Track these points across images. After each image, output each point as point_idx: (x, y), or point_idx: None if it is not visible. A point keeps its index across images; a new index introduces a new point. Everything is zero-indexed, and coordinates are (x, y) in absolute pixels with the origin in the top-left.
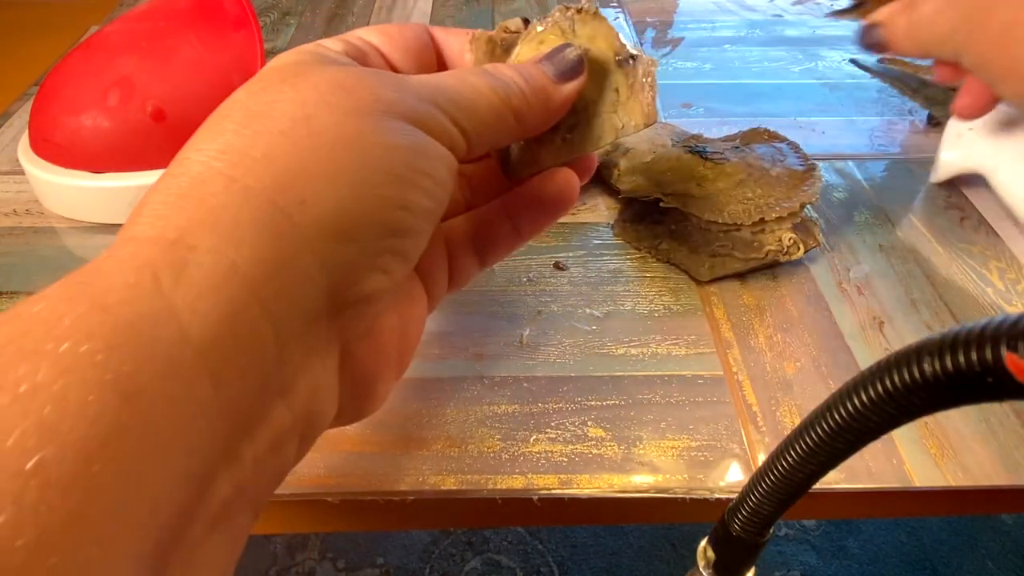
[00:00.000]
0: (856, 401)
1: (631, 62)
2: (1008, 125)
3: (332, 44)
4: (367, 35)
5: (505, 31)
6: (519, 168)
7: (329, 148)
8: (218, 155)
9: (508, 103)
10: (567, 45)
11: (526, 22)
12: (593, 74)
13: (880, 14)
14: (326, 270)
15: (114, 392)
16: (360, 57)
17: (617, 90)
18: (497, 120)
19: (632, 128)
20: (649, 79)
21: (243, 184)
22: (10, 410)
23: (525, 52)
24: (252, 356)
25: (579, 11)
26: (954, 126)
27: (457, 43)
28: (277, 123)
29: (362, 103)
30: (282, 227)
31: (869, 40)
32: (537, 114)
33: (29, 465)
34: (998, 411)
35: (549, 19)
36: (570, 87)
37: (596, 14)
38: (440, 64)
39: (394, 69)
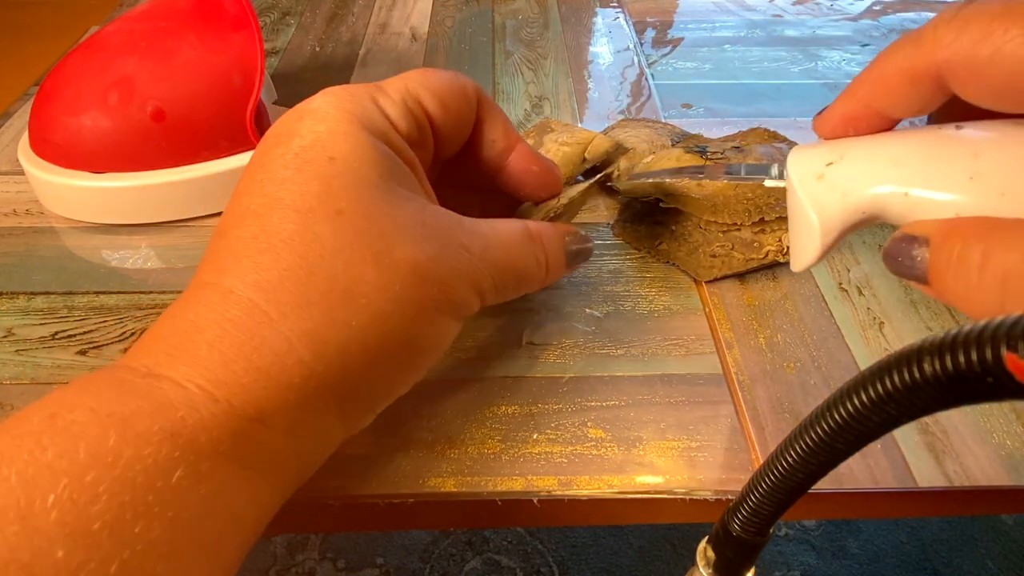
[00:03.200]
0: (856, 401)
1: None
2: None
3: (398, 116)
4: (429, 101)
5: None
6: None
7: (391, 346)
8: (303, 340)
9: (529, 280)
10: (588, 238)
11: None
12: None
13: (927, 228)
14: (346, 434)
15: (196, 536)
16: (417, 137)
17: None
18: (513, 292)
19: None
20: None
21: (319, 382)
22: (133, 566)
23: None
24: (283, 499)
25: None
26: (805, 167)
27: (494, 127)
28: (359, 317)
29: (428, 300)
30: (332, 416)
31: (903, 260)
32: (543, 285)
33: None
34: (998, 411)
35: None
36: (573, 270)
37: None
38: (476, 131)
39: (436, 140)
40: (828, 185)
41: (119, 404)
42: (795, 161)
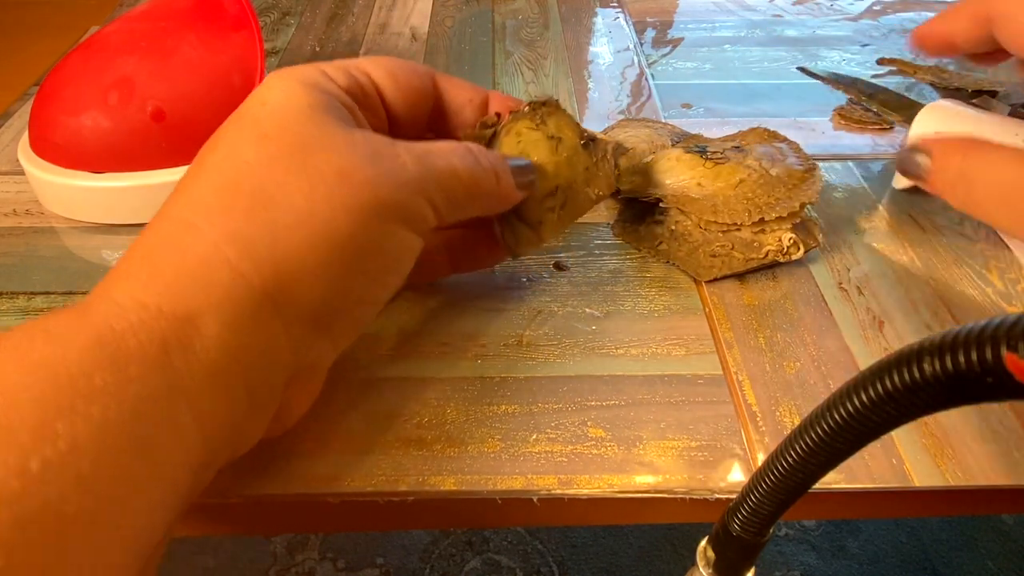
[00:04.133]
0: (856, 401)
1: (592, 143)
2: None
3: (337, 76)
4: (375, 71)
5: (483, 126)
6: (524, 248)
7: (325, 249)
8: (228, 241)
9: (479, 190)
10: (523, 160)
11: (498, 117)
12: (569, 159)
13: (932, 144)
14: (296, 354)
15: (136, 453)
16: (360, 96)
17: (587, 168)
18: (467, 204)
19: (602, 195)
20: (608, 154)
21: (248, 280)
22: (54, 463)
23: (506, 145)
24: (233, 424)
25: (543, 104)
26: (918, 130)
27: (460, 95)
28: (284, 215)
29: (361, 201)
30: (273, 322)
31: (905, 167)
32: (493, 204)
33: (68, 511)
34: (998, 411)
35: (521, 113)
36: (523, 193)
37: (558, 107)
38: (436, 111)
39: (389, 111)
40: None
41: (53, 321)
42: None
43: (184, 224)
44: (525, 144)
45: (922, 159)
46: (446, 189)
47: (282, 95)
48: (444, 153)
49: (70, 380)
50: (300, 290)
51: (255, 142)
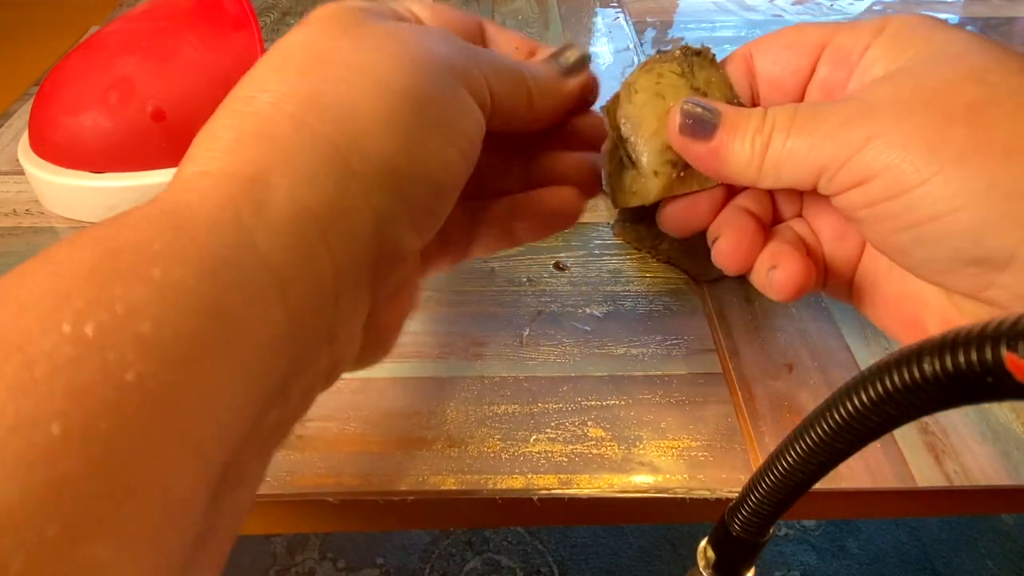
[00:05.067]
0: (856, 401)
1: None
2: None
3: (384, 11)
4: (422, 12)
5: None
6: (626, 198)
7: (388, 99)
8: (286, 97)
9: (528, 84)
10: (568, 46)
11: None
12: None
13: (721, 104)
14: (378, 222)
15: (205, 315)
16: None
17: None
18: (517, 93)
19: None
20: None
21: (312, 128)
22: (111, 326)
23: (642, 82)
24: (319, 297)
25: (697, 54)
26: None
27: (507, 43)
28: (339, 71)
29: (417, 55)
30: (346, 174)
31: (694, 126)
32: (547, 102)
33: (129, 378)
34: (998, 411)
35: (670, 55)
36: (574, 82)
37: (713, 61)
38: (484, 44)
39: None
40: None
41: (123, 211)
42: None
43: (240, 99)
44: (664, 87)
45: (710, 113)
46: (499, 74)
47: (324, 8)
48: (490, 50)
49: (129, 248)
50: (370, 144)
51: (314, 24)
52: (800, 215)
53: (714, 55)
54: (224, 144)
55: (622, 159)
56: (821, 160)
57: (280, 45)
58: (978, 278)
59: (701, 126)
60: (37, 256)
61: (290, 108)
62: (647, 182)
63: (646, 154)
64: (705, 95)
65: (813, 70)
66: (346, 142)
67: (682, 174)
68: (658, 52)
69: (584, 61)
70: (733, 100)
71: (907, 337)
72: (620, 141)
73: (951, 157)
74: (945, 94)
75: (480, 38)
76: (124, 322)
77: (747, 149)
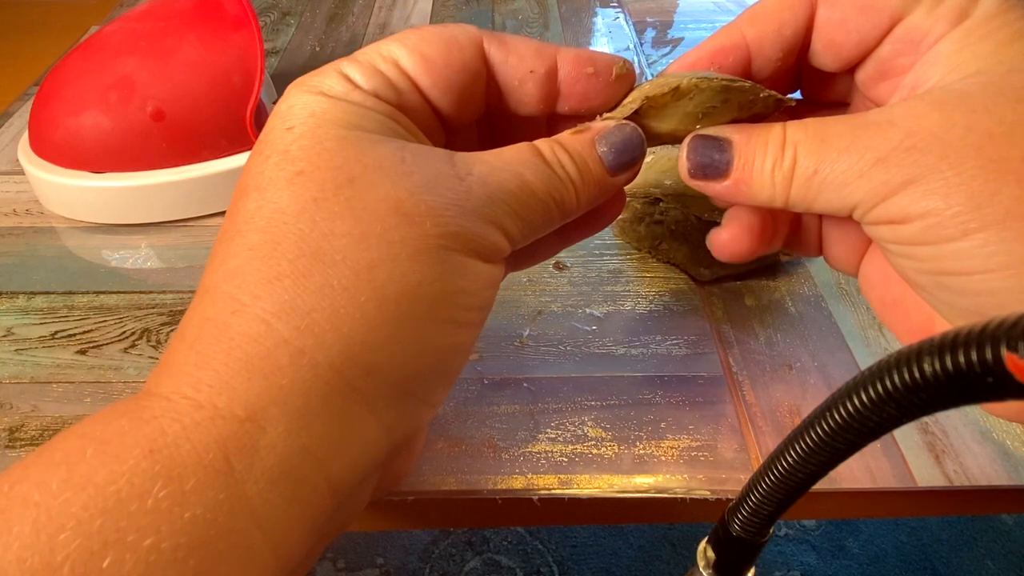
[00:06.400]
0: (856, 401)
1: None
2: None
3: (364, 78)
4: (404, 59)
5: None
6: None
7: (394, 305)
8: (280, 315)
9: (560, 203)
10: (627, 126)
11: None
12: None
13: (731, 131)
14: (387, 430)
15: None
16: (394, 97)
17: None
18: (545, 221)
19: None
20: None
21: (311, 359)
22: None
23: (669, 122)
24: (313, 527)
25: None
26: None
27: (518, 67)
28: (339, 274)
29: (426, 239)
30: (350, 401)
31: (703, 160)
32: (584, 206)
33: None
34: None
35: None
36: (623, 179)
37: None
38: (492, 91)
39: (433, 107)
40: None
41: (102, 426)
42: None
43: (227, 300)
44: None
45: (720, 151)
46: (519, 211)
47: (308, 115)
48: (512, 164)
49: (119, 503)
50: (377, 359)
51: (288, 183)
52: None
53: (778, 97)
54: (214, 369)
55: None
56: (855, 198)
57: (266, 210)
58: None
59: (712, 168)
60: (25, 478)
61: (286, 332)
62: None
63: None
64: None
65: (879, 42)
66: (350, 365)
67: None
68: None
69: (643, 148)
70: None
71: (909, 338)
72: None
73: (995, 218)
74: (1002, 140)
75: (482, 69)
76: None
77: (768, 182)
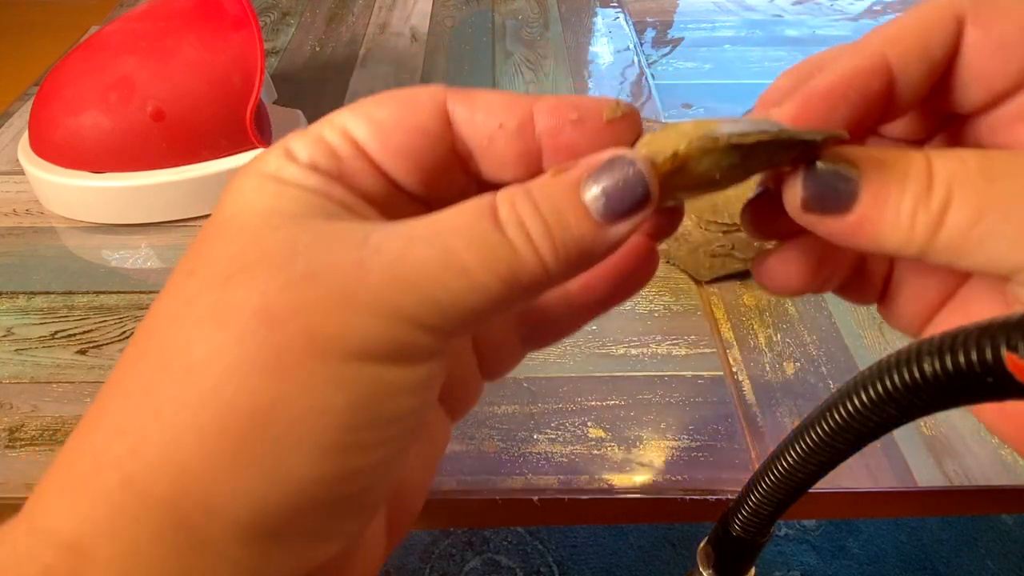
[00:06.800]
0: (856, 401)
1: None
2: None
3: (305, 150)
4: (352, 123)
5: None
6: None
7: (241, 429)
8: (120, 431)
9: (510, 277)
10: (624, 157)
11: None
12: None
13: (855, 153)
14: (253, 574)
15: None
16: (336, 170)
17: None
18: (488, 302)
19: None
20: None
21: (142, 488)
22: None
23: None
24: None
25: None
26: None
27: (485, 124)
28: (182, 392)
29: (286, 344)
30: (187, 543)
31: (825, 189)
32: (563, 273)
33: None
34: None
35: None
36: (622, 231)
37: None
38: (460, 150)
39: (384, 174)
40: None
41: None
42: None
43: (93, 409)
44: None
45: (844, 180)
46: (439, 296)
47: (230, 203)
48: (441, 234)
49: None
50: (218, 494)
51: (175, 287)
52: None
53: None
54: (50, 491)
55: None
56: None
57: (152, 311)
58: None
59: (834, 199)
60: None
61: (121, 449)
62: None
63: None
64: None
65: None
66: (185, 499)
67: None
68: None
69: (649, 188)
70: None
71: (1011, 435)
72: None
73: None
74: None
75: (443, 129)
76: None
77: (904, 225)
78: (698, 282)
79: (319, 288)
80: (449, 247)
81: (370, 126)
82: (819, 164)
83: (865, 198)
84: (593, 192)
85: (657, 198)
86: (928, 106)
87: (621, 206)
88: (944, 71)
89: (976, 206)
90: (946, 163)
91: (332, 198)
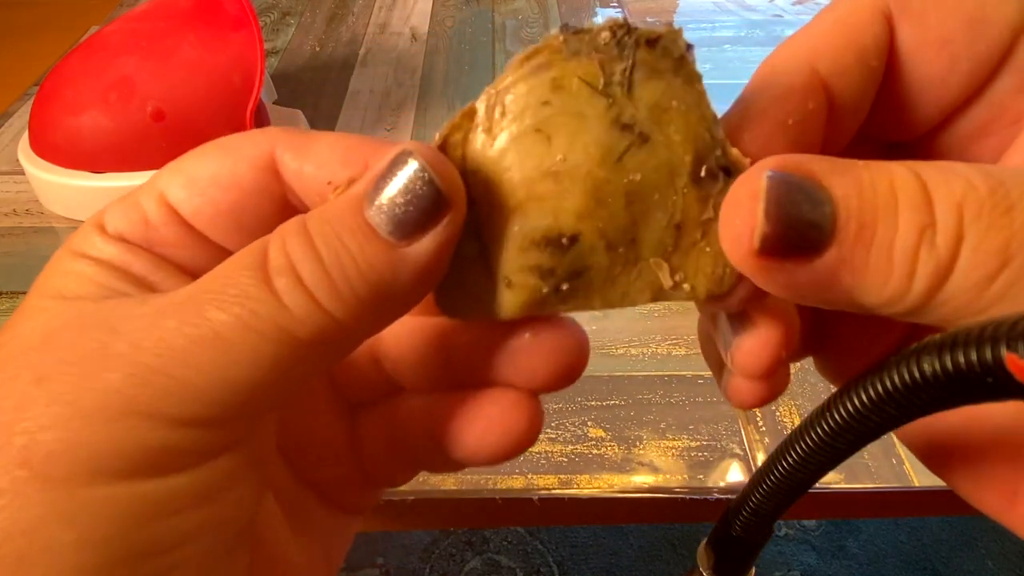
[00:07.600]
0: (856, 401)
1: (723, 176)
2: None
3: (114, 220)
4: (167, 182)
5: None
6: (468, 313)
7: None
8: None
9: (292, 340)
10: (406, 153)
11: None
12: (644, 185)
13: (819, 164)
14: None
15: None
16: (143, 238)
17: (680, 224)
18: (287, 374)
19: (687, 294)
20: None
21: None
22: None
23: (519, 96)
24: None
25: (649, 43)
26: None
27: (316, 177)
28: None
29: (7, 476)
30: None
31: (795, 218)
32: (367, 316)
33: None
34: None
35: (586, 37)
36: (425, 248)
37: (682, 62)
38: (296, 204)
39: (203, 237)
40: None
41: None
42: None
43: None
44: (557, 114)
45: (814, 202)
46: (191, 378)
47: (38, 280)
48: (192, 299)
49: None
50: None
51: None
52: None
53: (685, 50)
54: None
55: (466, 232)
56: None
57: None
58: None
59: (807, 235)
60: None
61: None
62: (497, 292)
63: (502, 245)
64: (646, 140)
65: (993, 74)
66: None
67: (564, 287)
68: (563, 28)
69: (441, 194)
70: (710, 151)
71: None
72: (467, 204)
73: None
74: None
75: (267, 183)
76: None
77: (901, 271)
78: None
79: (43, 395)
80: (200, 313)
81: (185, 186)
82: (775, 174)
83: (843, 232)
84: (376, 204)
85: (462, 195)
86: (867, 134)
87: (409, 215)
88: (880, 84)
89: (998, 247)
90: (947, 183)
91: (129, 272)
